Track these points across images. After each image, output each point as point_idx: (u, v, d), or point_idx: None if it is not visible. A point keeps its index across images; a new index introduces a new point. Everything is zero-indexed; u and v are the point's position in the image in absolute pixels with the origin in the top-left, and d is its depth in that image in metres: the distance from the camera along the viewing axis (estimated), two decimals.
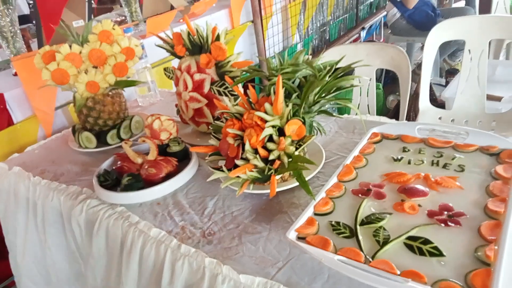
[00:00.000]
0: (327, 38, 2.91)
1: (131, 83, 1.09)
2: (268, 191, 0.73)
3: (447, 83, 2.44)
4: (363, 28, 3.15)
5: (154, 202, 0.82)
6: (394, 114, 2.34)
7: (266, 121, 0.74)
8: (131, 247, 0.74)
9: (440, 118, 1.55)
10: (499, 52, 2.42)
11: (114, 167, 0.91)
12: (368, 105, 1.48)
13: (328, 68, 0.80)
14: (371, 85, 1.46)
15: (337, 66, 0.81)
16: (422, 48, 2.90)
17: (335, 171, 0.77)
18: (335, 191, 0.71)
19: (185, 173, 0.86)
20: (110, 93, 1.07)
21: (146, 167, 0.85)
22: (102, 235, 0.80)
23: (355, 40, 3.05)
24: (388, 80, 2.86)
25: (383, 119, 1.00)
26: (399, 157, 0.79)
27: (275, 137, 0.74)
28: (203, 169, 0.91)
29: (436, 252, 0.55)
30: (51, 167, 1.03)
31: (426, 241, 0.57)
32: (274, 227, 0.70)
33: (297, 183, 0.75)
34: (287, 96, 0.79)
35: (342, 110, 1.86)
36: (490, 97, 1.54)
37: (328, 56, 1.33)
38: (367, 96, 1.48)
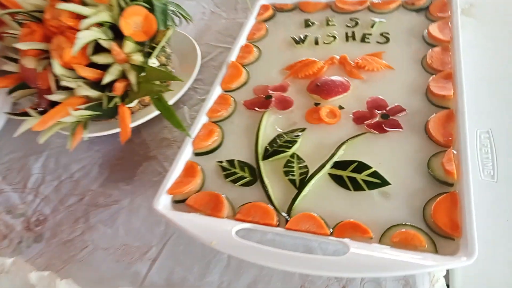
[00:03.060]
0: None
1: None
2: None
3: None
4: None
5: None
6: None
7: (83, 18, 0.43)
8: None
9: None
10: None
11: None
12: None
13: None
14: None
15: None
16: None
17: (217, 74, 0.52)
18: (221, 110, 0.47)
19: None
20: None
21: None
22: None
23: None
24: None
25: None
26: (302, 37, 0.55)
27: (105, 44, 0.44)
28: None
29: (377, 181, 0.37)
30: None
31: (360, 167, 0.38)
32: (139, 186, 0.45)
33: None
34: None
35: None
36: None
37: None
38: None
